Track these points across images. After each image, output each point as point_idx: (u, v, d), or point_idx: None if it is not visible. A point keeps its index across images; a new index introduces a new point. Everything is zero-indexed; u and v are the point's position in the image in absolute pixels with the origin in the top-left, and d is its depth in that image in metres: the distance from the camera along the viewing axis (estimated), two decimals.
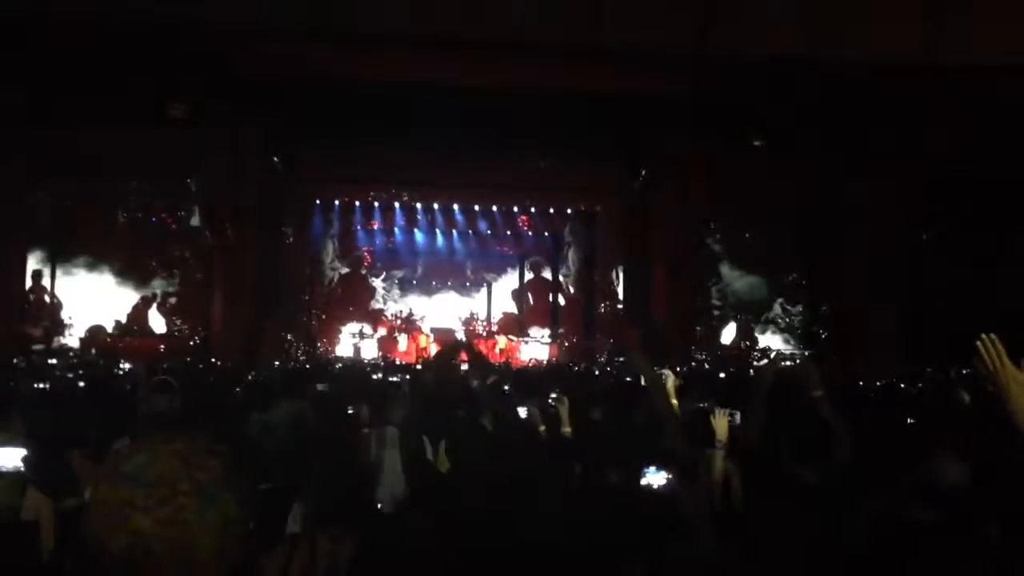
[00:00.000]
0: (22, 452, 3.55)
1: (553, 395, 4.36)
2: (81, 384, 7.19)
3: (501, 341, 18.79)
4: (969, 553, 2.32)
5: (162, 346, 15.50)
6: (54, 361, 11.68)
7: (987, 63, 12.44)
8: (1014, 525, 2.57)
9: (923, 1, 11.56)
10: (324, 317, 19.41)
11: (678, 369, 10.68)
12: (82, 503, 2.93)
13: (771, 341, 17.93)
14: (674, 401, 4.47)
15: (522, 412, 4.21)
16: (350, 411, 5.29)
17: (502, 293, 20.99)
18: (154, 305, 16.43)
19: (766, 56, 12.69)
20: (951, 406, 6.50)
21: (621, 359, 15.23)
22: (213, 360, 13.22)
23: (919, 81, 12.69)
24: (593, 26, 11.70)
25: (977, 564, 2.30)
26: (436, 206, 19.55)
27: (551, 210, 19.84)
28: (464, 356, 4.45)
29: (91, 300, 16.05)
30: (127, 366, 10.11)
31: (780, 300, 18.15)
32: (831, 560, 2.50)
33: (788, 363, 16.88)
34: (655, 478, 2.83)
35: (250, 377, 8.54)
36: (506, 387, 5.32)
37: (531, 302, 20.83)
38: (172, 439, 1.11)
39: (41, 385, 6.78)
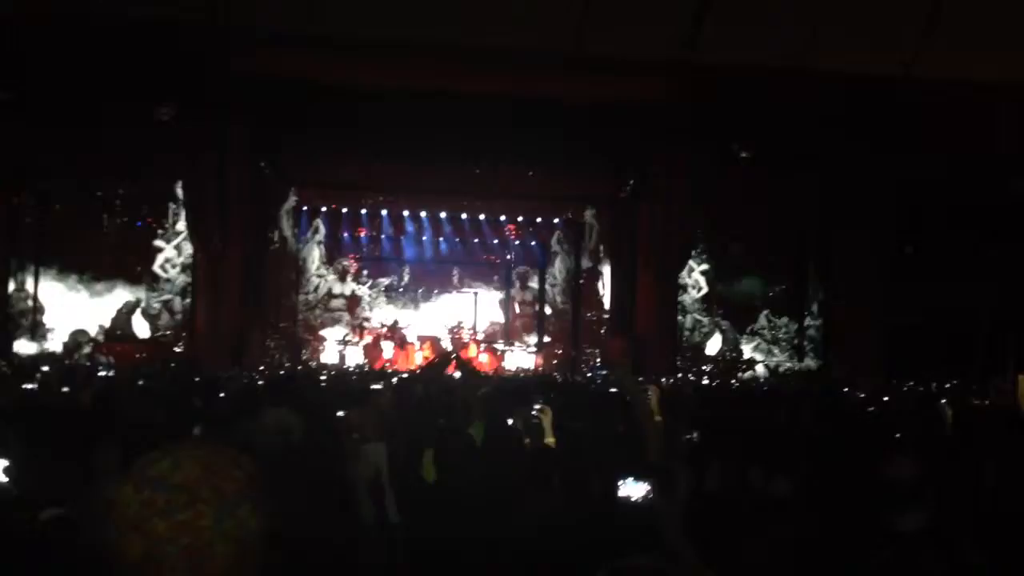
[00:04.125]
0: (2, 462, 3.51)
1: (537, 406, 4.38)
2: (64, 390, 7.11)
3: (488, 350, 18.76)
4: (944, 563, 2.35)
5: (145, 352, 15.36)
6: (36, 367, 11.54)
7: (971, 78, 12.64)
8: (988, 534, 2.60)
9: (908, 16, 11.74)
10: (309, 323, 19.33)
11: (662, 381, 10.73)
12: (61, 514, 2.91)
13: (756, 352, 18.01)
14: (658, 417, 4.50)
15: (508, 422, 4.22)
16: (339, 415, 5.28)
17: (488, 301, 20.97)
18: (138, 310, 16.30)
19: (753, 67, 12.84)
20: (932, 419, 6.54)
21: (603, 371, 15.24)
22: (197, 366, 13.11)
23: (903, 95, 12.84)
24: (580, 35, 11.79)
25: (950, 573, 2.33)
26: (423, 213, 19.54)
27: (538, 219, 19.88)
28: (453, 368, 4.47)
29: (74, 304, 15.91)
30: (110, 372, 10.02)
31: (765, 312, 18.24)
32: (804, 570, 2.52)
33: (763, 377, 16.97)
34: (634, 489, 2.84)
35: (234, 384, 8.47)
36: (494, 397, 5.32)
37: (517, 311, 20.84)
38: (199, 447, 1.11)
39: (22, 391, 6.70)
